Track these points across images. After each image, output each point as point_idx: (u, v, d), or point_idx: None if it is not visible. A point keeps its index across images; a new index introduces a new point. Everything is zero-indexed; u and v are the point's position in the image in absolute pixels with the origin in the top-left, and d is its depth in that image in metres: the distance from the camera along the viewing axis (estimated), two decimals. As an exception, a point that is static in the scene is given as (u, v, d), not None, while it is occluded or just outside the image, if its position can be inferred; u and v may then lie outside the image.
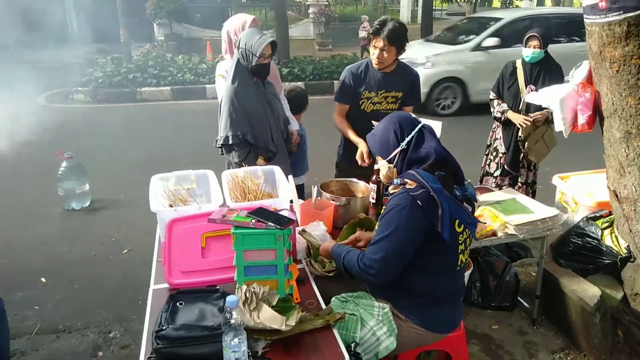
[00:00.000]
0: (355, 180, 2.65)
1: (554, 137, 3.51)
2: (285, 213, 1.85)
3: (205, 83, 9.52)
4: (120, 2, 9.77)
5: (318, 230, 2.19)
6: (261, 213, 1.78)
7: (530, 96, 2.81)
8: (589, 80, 2.43)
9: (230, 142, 2.81)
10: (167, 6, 15.43)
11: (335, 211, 2.40)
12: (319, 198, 2.47)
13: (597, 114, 2.46)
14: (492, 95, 3.72)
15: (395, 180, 1.78)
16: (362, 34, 13.81)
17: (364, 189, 2.58)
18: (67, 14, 16.89)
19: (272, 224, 1.71)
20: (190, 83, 9.53)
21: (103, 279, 3.37)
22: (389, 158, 1.83)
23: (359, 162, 2.76)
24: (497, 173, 3.76)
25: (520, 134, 3.51)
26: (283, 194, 2.38)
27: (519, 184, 3.71)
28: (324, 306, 1.81)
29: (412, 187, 1.69)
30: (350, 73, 2.85)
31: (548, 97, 2.54)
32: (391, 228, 1.69)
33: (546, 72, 3.41)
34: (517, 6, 27.22)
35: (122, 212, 4.41)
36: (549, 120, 3.40)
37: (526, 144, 3.49)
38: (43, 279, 3.35)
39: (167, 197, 2.46)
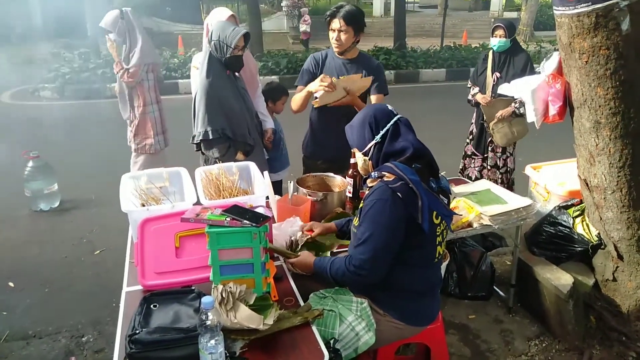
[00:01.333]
0: (331, 174, 2.64)
1: (525, 125, 3.58)
2: (261, 210, 1.82)
3: (177, 78, 9.35)
4: (88, -5, 9.46)
5: (294, 226, 2.16)
6: (236, 211, 1.74)
7: (503, 87, 2.85)
8: (559, 71, 2.46)
9: (211, 137, 2.75)
10: (136, 0, 15.05)
11: (312, 206, 2.38)
12: (296, 194, 2.44)
13: (567, 105, 2.50)
14: (468, 83, 3.95)
15: (372, 173, 1.78)
16: (303, 27, 13.80)
17: (340, 183, 2.56)
18: (30, 6, 16.35)
19: (248, 222, 1.68)
20: (162, 78, 9.33)
21: (75, 282, 3.27)
22: (365, 150, 1.82)
23: (322, 83, 2.62)
24: (469, 153, 4.00)
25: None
26: (258, 190, 2.34)
27: (488, 166, 3.84)
28: (302, 303, 1.80)
29: (391, 179, 1.68)
30: (312, 58, 2.90)
31: (519, 88, 2.57)
32: (375, 225, 1.68)
33: (512, 58, 3.62)
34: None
35: (93, 212, 4.29)
36: (518, 114, 3.55)
37: (490, 124, 3.67)
38: (11, 284, 3.23)
39: (139, 196, 2.40)
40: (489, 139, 3.80)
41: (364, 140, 1.82)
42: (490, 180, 3.78)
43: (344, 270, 1.74)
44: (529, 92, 2.45)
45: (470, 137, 3.99)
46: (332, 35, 2.70)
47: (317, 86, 2.62)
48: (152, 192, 2.44)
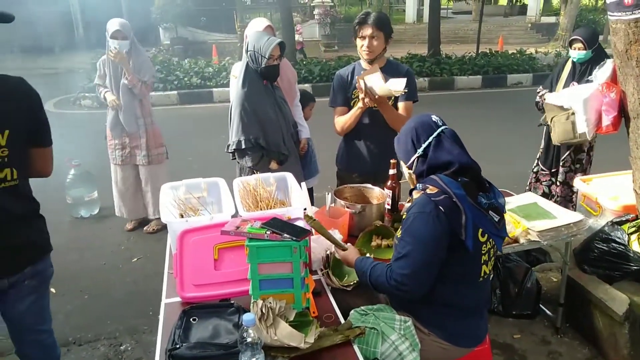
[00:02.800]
0: (369, 186, 2.57)
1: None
2: (300, 223, 1.78)
3: (212, 87, 9.49)
4: (126, 6, 9.74)
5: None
6: (276, 224, 1.70)
7: (551, 96, 2.72)
8: (614, 79, 2.34)
9: (243, 146, 2.76)
10: (173, 10, 15.44)
11: (350, 219, 2.32)
12: (333, 205, 2.39)
13: (622, 115, 2.36)
14: (541, 89, 3.73)
15: (417, 186, 1.72)
16: (296, 37, 13.56)
17: (379, 195, 2.50)
18: (73, 18, 17.02)
19: (288, 236, 1.63)
20: (197, 87, 9.49)
21: (113, 289, 3.31)
22: (409, 164, 1.76)
23: (362, 98, 2.55)
24: (536, 169, 3.83)
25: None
26: (296, 202, 2.31)
27: (557, 182, 3.67)
28: (342, 320, 1.74)
29: (434, 192, 1.62)
30: (339, 76, 2.81)
31: (571, 97, 2.45)
32: (416, 239, 1.62)
33: (594, 68, 3.26)
34: (523, 4, 27.02)
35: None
36: None
37: (550, 117, 3.40)
38: (53, 290, 3.29)
39: (178, 206, 2.40)
40: (560, 152, 3.61)
41: (407, 153, 1.78)
42: (560, 198, 3.66)
43: (384, 281, 1.69)
44: (581, 101, 2.33)
45: (540, 152, 3.83)
46: (362, 43, 2.61)
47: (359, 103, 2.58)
48: (190, 202, 2.44)
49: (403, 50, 12.14)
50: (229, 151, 2.86)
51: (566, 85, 3.50)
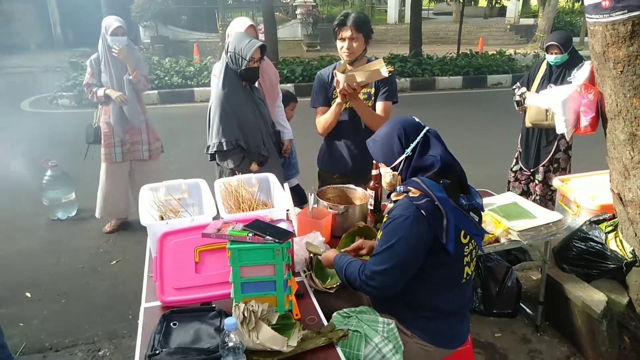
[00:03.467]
0: (352, 186, 2.57)
1: None
2: (283, 225, 1.76)
3: (193, 86, 9.38)
4: (105, 4, 9.57)
5: (315, 241, 2.10)
6: (258, 226, 1.68)
7: (531, 98, 2.75)
8: (591, 81, 2.38)
9: (225, 148, 2.73)
10: (153, 8, 15.21)
11: (333, 220, 2.32)
12: (316, 206, 2.38)
13: (599, 116, 2.40)
14: (518, 85, 3.77)
15: (398, 188, 1.70)
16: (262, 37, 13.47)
17: (361, 196, 2.49)
18: (50, 16, 16.65)
19: (270, 238, 1.61)
20: (178, 86, 9.38)
21: (91, 293, 3.24)
22: (394, 165, 1.75)
23: (340, 90, 2.51)
24: (516, 167, 3.89)
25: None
26: (279, 203, 2.29)
27: (536, 181, 3.73)
28: (325, 322, 1.73)
29: (416, 195, 1.61)
30: (320, 76, 2.80)
31: (549, 98, 2.48)
32: (394, 239, 1.61)
33: (569, 71, 3.37)
34: (502, 6, 27.40)
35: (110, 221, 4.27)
36: None
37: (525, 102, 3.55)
38: (28, 294, 3.21)
39: (158, 208, 2.36)
40: (540, 152, 3.68)
41: (392, 154, 1.74)
42: (539, 197, 3.72)
43: (356, 276, 1.70)
44: (560, 102, 2.36)
45: (518, 152, 3.88)
46: (342, 45, 2.59)
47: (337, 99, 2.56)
48: (170, 204, 2.41)
49: (385, 51, 12.20)
50: (209, 152, 2.83)
51: (541, 85, 3.57)
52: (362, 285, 1.68)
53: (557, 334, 2.69)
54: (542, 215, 2.37)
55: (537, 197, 3.76)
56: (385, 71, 2.48)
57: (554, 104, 2.41)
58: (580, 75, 2.39)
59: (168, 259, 1.91)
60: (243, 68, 2.66)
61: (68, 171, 4.43)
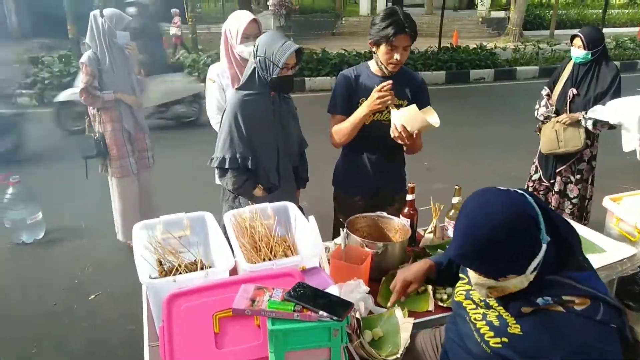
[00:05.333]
0: (384, 214, 2.18)
1: (578, 139, 3.18)
2: (333, 290, 1.37)
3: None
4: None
5: (357, 292, 1.72)
6: (304, 294, 1.29)
7: (596, 111, 2.43)
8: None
9: (227, 165, 2.30)
10: (118, -2, 14.39)
11: (371, 260, 1.93)
12: (347, 242, 2.00)
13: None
14: (545, 90, 3.49)
15: (539, 301, 1.16)
16: (173, 30, 12.73)
17: (398, 227, 2.12)
18: (4, 5, 15.50)
19: (326, 314, 1.23)
20: (150, 83, 8.75)
21: (68, 338, 2.76)
22: (534, 266, 1.15)
23: (396, 137, 2.14)
24: (535, 176, 3.62)
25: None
26: (305, 242, 1.89)
27: (553, 191, 3.50)
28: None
29: (586, 305, 1.12)
30: (344, 77, 2.38)
31: (621, 112, 2.16)
32: None
33: (594, 74, 3.16)
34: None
35: (85, 245, 3.76)
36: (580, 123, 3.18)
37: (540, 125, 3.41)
38: (-11, 342, 2.72)
39: (154, 249, 1.93)
40: (556, 163, 3.45)
41: (524, 257, 1.13)
42: (555, 209, 3.48)
43: None
44: (637, 118, 2.04)
45: (536, 160, 3.62)
46: (391, 54, 2.17)
47: (374, 102, 2.14)
48: (169, 243, 1.97)
49: (360, 44, 11.84)
50: (212, 166, 2.40)
51: (564, 90, 3.32)
52: None
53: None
54: (612, 249, 2.05)
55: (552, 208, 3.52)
56: (436, 121, 2.12)
57: (628, 119, 2.10)
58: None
59: (179, 329, 1.48)
60: (274, 76, 2.22)
61: (33, 186, 3.88)
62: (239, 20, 2.65)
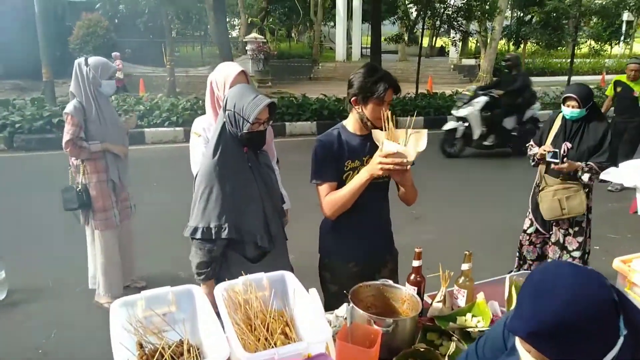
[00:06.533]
0: (390, 282, 2.01)
1: (582, 204, 3.22)
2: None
3: (143, 127, 8.56)
4: (42, 35, 8.63)
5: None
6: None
7: (611, 173, 2.37)
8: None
9: (199, 236, 2.09)
10: (94, 41, 14.30)
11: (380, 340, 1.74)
12: (351, 318, 1.81)
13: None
14: (531, 142, 3.56)
15: None
16: (119, 75, 12.19)
17: (406, 297, 1.94)
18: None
19: None
20: (126, 127, 8.54)
21: None
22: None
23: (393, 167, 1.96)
24: (531, 230, 3.58)
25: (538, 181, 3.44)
26: (311, 326, 1.69)
27: (550, 243, 3.47)
28: None
29: None
30: (324, 142, 2.19)
31: (635, 174, 2.08)
32: None
33: (587, 126, 3.23)
34: (441, 47, 28.59)
35: (51, 306, 3.42)
36: (581, 179, 3.18)
37: (540, 193, 3.38)
38: None
39: (135, 330, 1.69)
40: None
41: (598, 346, 0.99)
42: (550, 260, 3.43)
43: None
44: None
45: (530, 212, 3.59)
46: (379, 110, 2.05)
47: (376, 168, 2.00)
48: (152, 321, 1.75)
49: (337, 89, 11.96)
50: (186, 235, 2.18)
51: (555, 142, 3.34)
52: None
53: None
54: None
55: (548, 260, 3.45)
56: (425, 143, 2.02)
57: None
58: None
59: None
60: (245, 131, 2.07)
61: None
62: (226, 71, 2.51)
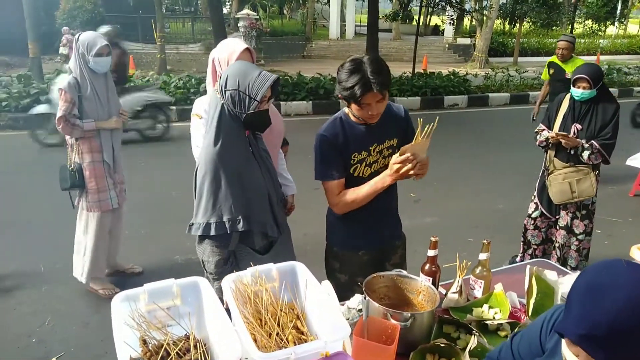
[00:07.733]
0: (404, 273, 1.92)
1: (592, 188, 3.17)
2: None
3: (135, 105, 8.33)
4: (28, 10, 8.30)
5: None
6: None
7: (634, 159, 2.29)
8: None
9: (213, 232, 1.96)
10: (82, 15, 13.88)
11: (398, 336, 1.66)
12: (367, 312, 1.72)
13: None
14: (540, 126, 3.46)
15: None
16: (63, 50, 12.16)
17: (422, 288, 1.85)
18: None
19: None
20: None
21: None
22: None
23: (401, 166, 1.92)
24: (536, 214, 3.52)
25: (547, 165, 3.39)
26: (325, 320, 1.59)
27: (558, 227, 3.43)
28: None
29: None
30: (328, 137, 2.05)
31: None
32: None
33: (597, 108, 3.17)
34: (435, 25, 28.26)
35: (44, 293, 3.31)
36: (581, 156, 3.17)
37: (548, 176, 3.33)
38: None
39: (137, 325, 1.59)
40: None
41: None
42: (560, 245, 3.42)
43: None
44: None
45: (535, 196, 3.54)
46: (363, 111, 1.94)
47: (395, 174, 1.95)
48: (155, 316, 1.64)
49: (332, 67, 11.72)
50: (192, 234, 2.04)
51: (564, 124, 3.27)
52: None
53: None
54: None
55: (558, 245, 3.41)
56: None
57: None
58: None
59: None
60: (250, 112, 1.93)
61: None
62: (229, 48, 2.33)
